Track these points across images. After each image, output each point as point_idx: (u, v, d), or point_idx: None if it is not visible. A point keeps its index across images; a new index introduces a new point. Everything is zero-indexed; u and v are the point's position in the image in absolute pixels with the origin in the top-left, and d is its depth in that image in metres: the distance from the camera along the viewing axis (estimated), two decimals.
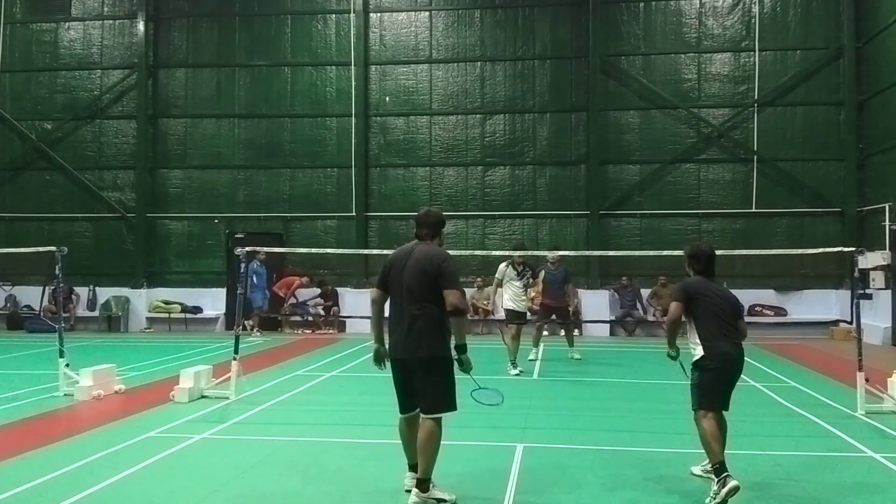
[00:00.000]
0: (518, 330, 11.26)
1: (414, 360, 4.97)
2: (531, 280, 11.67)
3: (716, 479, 5.06)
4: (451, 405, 5.05)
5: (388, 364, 5.19)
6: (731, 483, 4.94)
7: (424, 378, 4.97)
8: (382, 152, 18.88)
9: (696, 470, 5.71)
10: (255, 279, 16.27)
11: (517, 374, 10.75)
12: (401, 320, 5.01)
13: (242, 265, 9.44)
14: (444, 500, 5.05)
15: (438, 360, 4.97)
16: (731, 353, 5.33)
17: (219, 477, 5.75)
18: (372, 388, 9.15)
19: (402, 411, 5.21)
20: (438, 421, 4.98)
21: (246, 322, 15.52)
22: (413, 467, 5.18)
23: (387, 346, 5.16)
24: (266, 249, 14.55)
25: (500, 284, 11.40)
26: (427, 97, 18.74)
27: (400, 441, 5.29)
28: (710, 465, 5.26)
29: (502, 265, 11.46)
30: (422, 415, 5.01)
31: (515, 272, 11.30)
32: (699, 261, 5.65)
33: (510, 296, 11.32)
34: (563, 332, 13.41)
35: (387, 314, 5.26)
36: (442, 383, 4.98)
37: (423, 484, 4.96)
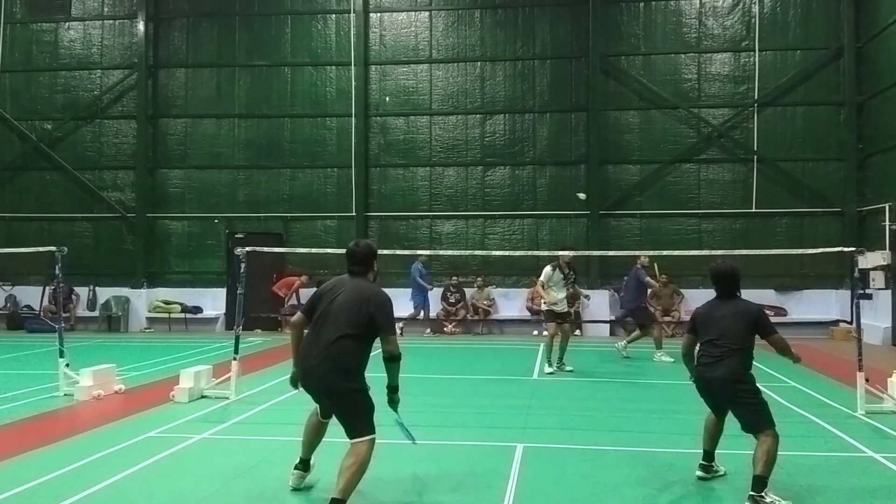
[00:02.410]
0: (558, 328, 11.25)
1: (327, 389, 4.94)
2: (574, 285, 11.54)
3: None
4: (371, 429, 4.92)
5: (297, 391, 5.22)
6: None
7: (341, 407, 4.98)
8: (382, 152, 18.88)
9: None
10: (419, 279, 16.62)
11: (551, 373, 10.88)
12: (317, 349, 4.89)
13: (242, 265, 9.44)
14: None
15: (353, 391, 4.91)
16: (708, 377, 5.39)
17: (219, 477, 5.75)
18: (371, 389, 9.14)
19: (321, 413, 5.33)
20: (369, 445, 4.86)
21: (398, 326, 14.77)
22: (303, 463, 5.37)
23: (302, 367, 5.05)
24: (266, 249, 14.54)
25: (543, 287, 11.23)
26: (427, 97, 18.74)
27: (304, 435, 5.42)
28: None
29: (548, 268, 11.27)
30: (350, 440, 4.90)
31: (562, 275, 11.18)
32: (713, 281, 5.68)
33: (552, 298, 11.18)
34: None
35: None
36: (360, 411, 4.92)
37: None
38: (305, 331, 5.13)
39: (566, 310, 11.60)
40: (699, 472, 5.66)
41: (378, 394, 5.02)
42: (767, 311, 5.70)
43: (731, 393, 5.29)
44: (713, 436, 5.64)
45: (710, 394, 5.50)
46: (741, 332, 5.34)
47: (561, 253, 11.50)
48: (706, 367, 5.39)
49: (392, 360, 4.98)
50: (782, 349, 5.54)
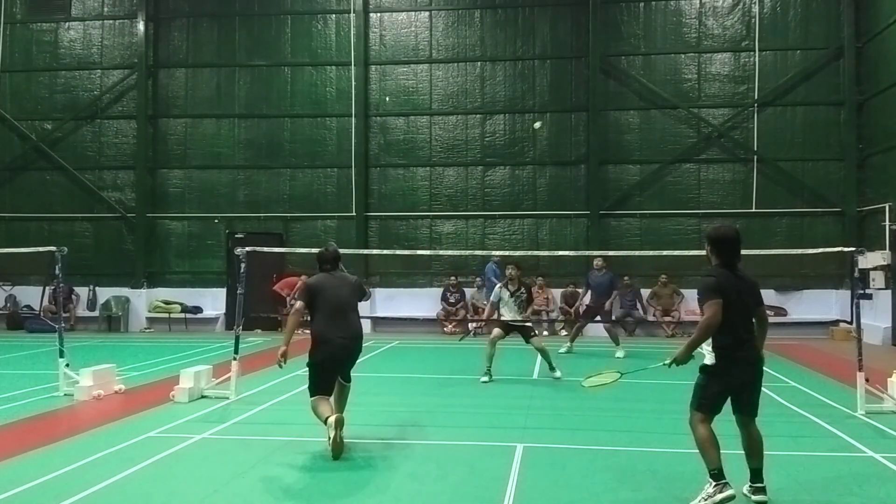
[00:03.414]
0: (499, 336, 10.58)
1: (354, 355, 6.75)
2: (525, 301, 10.83)
3: (713, 483, 4.80)
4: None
5: (286, 364, 6.64)
6: (728, 491, 4.72)
7: (354, 360, 6.82)
8: (382, 152, 18.88)
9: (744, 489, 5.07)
10: (494, 279, 16.07)
11: (485, 381, 10.16)
12: (344, 324, 6.58)
13: (242, 265, 9.43)
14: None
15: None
16: (749, 359, 4.86)
17: (219, 477, 5.75)
18: (371, 388, 9.14)
19: (319, 394, 6.54)
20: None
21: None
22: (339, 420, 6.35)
23: (329, 346, 6.52)
24: (266, 249, 14.54)
25: (495, 307, 10.76)
26: (427, 97, 18.74)
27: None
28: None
29: (497, 288, 10.86)
30: (345, 383, 6.84)
31: (509, 292, 10.66)
32: (723, 249, 4.98)
33: (504, 311, 10.69)
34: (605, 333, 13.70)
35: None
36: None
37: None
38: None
39: (527, 324, 10.85)
40: (757, 497, 4.95)
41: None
42: (767, 312, 5.45)
43: (757, 373, 4.80)
44: (717, 445, 4.91)
45: (742, 382, 4.84)
46: (756, 307, 4.97)
47: (505, 259, 10.93)
48: (744, 347, 4.78)
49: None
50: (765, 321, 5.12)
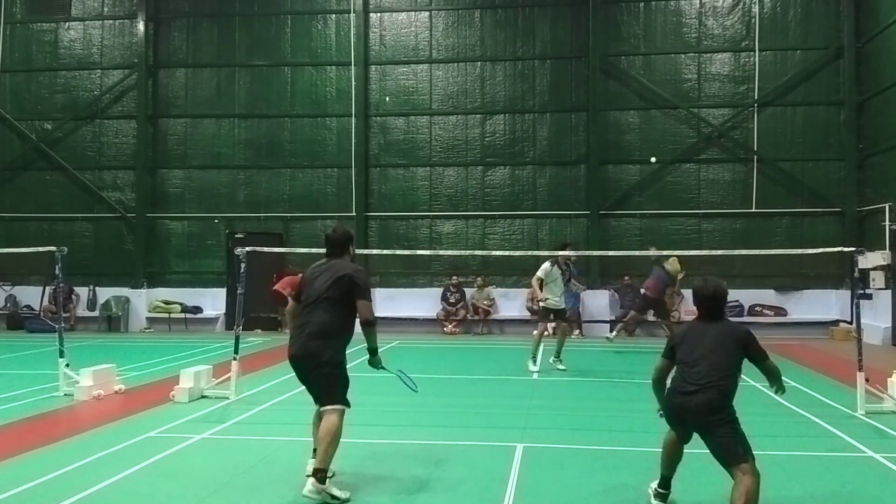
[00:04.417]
0: (557, 325, 11.50)
1: (305, 356, 5.30)
2: (568, 279, 11.65)
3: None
4: (344, 400, 5.33)
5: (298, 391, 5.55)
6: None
7: (316, 375, 5.35)
8: (382, 152, 18.88)
9: None
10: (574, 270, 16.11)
11: (535, 371, 10.92)
12: (303, 325, 5.34)
13: (242, 265, 9.43)
14: (338, 498, 5.07)
15: (329, 362, 5.27)
16: (684, 404, 4.64)
17: (219, 477, 5.75)
18: (371, 388, 9.13)
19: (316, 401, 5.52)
20: (339, 414, 5.21)
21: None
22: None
23: (290, 349, 5.40)
24: (266, 249, 14.54)
25: (541, 284, 11.24)
26: (427, 97, 18.74)
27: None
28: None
29: (546, 264, 11.32)
30: (319, 406, 5.36)
31: (560, 271, 11.27)
32: (698, 304, 4.92)
33: (550, 295, 11.21)
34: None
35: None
36: (332, 381, 5.30)
37: (320, 474, 5.04)
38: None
39: (563, 307, 11.61)
40: (654, 502, 5.06)
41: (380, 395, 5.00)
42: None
43: (706, 423, 4.57)
44: (673, 460, 4.99)
45: (682, 421, 4.76)
46: (727, 357, 4.64)
47: (561, 253, 11.49)
48: (684, 395, 4.61)
49: (367, 325, 5.37)
50: (776, 377, 4.90)
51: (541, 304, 11.47)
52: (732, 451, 4.47)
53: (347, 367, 5.44)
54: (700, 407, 4.54)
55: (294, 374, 5.50)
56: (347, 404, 5.33)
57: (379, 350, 5.52)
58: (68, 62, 19.73)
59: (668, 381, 4.91)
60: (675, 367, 4.85)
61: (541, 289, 11.22)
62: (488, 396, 9.27)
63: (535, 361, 11.10)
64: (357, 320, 5.41)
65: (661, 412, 4.96)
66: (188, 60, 19.47)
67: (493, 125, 18.51)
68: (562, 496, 5.30)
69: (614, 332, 14.68)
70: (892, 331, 14.97)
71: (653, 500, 5.08)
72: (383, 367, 5.56)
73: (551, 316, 11.39)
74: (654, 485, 5.11)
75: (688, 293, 17.10)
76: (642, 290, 14.23)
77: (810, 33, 17.59)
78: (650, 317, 14.97)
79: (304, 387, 5.53)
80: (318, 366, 5.27)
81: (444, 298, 17.91)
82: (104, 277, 19.08)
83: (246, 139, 19.23)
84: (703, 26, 17.95)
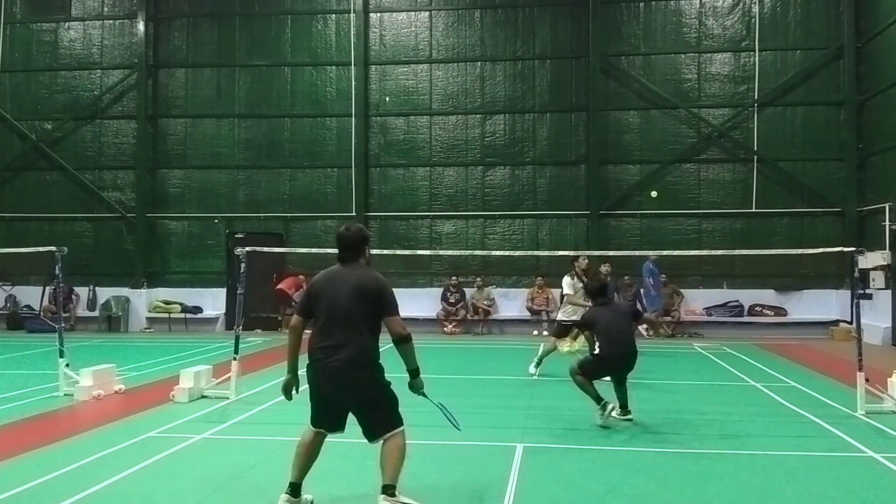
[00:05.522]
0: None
1: (351, 389, 4.75)
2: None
3: (598, 406, 7.44)
4: (400, 421, 4.89)
5: (294, 395, 4.94)
6: (610, 405, 7.38)
7: (365, 406, 4.82)
8: (382, 152, 18.88)
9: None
10: (651, 280, 15.82)
11: (532, 374, 10.71)
12: (334, 343, 4.72)
13: (242, 265, 9.43)
14: None
15: (376, 386, 4.81)
16: (622, 352, 7.61)
17: (219, 477, 5.75)
18: (310, 402, 9.14)
19: (315, 426, 4.92)
20: (402, 434, 4.86)
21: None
22: (294, 486, 4.90)
23: (314, 368, 4.79)
24: (266, 249, 14.55)
25: (574, 295, 10.70)
26: (427, 97, 18.74)
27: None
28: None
29: (568, 278, 10.80)
30: (383, 438, 4.82)
31: (582, 282, 10.54)
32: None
33: (573, 308, 10.62)
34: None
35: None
36: (385, 406, 4.84)
37: (391, 490, 4.76)
38: (306, 332, 4.94)
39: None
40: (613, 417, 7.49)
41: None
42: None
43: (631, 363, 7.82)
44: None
45: (624, 365, 7.71)
46: (627, 323, 8.02)
47: (576, 254, 11.28)
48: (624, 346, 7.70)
49: (403, 342, 4.81)
50: None
51: (561, 316, 10.99)
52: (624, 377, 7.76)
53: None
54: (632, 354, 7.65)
55: (315, 399, 4.85)
56: (403, 421, 4.89)
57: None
58: (68, 62, 19.73)
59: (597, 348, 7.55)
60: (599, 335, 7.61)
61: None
62: (488, 396, 9.27)
63: (538, 365, 10.95)
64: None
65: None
66: (188, 60, 19.47)
67: (493, 125, 18.51)
68: (562, 496, 5.30)
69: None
70: (892, 331, 14.96)
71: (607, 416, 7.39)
72: (423, 394, 5.05)
73: (571, 331, 10.91)
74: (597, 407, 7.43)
75: (687, 292, 17.26)
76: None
77: (810, 33, 17.59)
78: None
79: (318, 413, 4.89)
80: (362, 395, 4.76)
81: (444, 298, 17.91)
82: (104, 277, 19.07)
83: (246, 139, 19.23)
84: (703, 26, 17.95)
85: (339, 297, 4.78)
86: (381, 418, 4.81)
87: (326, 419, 4.88)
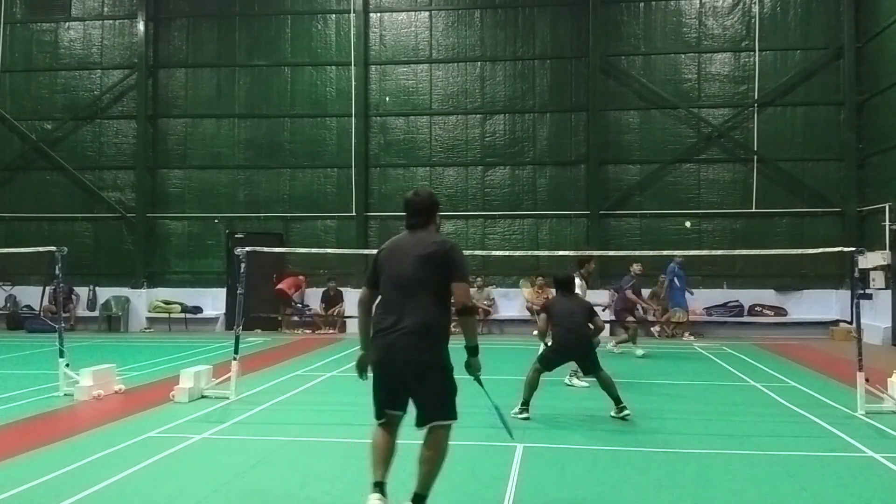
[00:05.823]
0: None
1: (409, 363, 4.36)
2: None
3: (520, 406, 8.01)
4: (454, 413, 4.54)
5: (370, 373, 4.57)
6: (525, 414, 7.92)
7: (421, 384, 4.42)
8: (382, 152, 18.88)
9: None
10: (677, 282, 16.01)
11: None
12: (399, 313, 4.38)
13: (242, 265, 9.43)
14: None
15: (438, 365, 4.43)
16: (570, 338, 8.06)
17: (219, 477, 5.74)
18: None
19: (379, 417, 4.60)
20: (449, 429, 4.49)
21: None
22: (379, 485, 4.55)
23: (376, 344, 4.48)
24: (266, 249, 14.55)
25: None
26: (427, 97, 18.75)
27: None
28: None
29: (579, 280, 10.16)
30: (426, 427, 4.47)
31: (586, 285, 10.46)
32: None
33: None
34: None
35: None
36: (441, 390, 4.45)
37: (422, 500, 4.48)
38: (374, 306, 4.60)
39: None
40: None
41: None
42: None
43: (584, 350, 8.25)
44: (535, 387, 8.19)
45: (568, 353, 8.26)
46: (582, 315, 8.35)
47: (588, 254, 11.29)
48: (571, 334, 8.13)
49: (466, 313, 4.43)
50: None
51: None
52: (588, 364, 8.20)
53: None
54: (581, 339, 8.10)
55: (377, 377, 4.49)
56: (456, 415, 4.52)
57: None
58: (68, 62, 19.74)
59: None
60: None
61: None
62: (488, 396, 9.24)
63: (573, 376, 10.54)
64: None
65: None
66: (188, 60, 19.48)
67: (493, 125, 18.51)
68: (562, 496, 5.30)
69: (613, 343, 14.23)
70: (892, 331, 14.97)
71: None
72: (479, 380, 4.67)
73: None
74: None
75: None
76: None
77: (810, 33, 17.60)
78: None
79: (380, 394, 4.53)
80: (426, 373, 4.36)
81: None
82: (104, 277, 19.08)
83: (246, 139, 19.23)
84: (703, 26, 17.95)
85: (403, 265, 4.44)
86: (435, 403, 4.43)
87: (388, 400, 4.50)
